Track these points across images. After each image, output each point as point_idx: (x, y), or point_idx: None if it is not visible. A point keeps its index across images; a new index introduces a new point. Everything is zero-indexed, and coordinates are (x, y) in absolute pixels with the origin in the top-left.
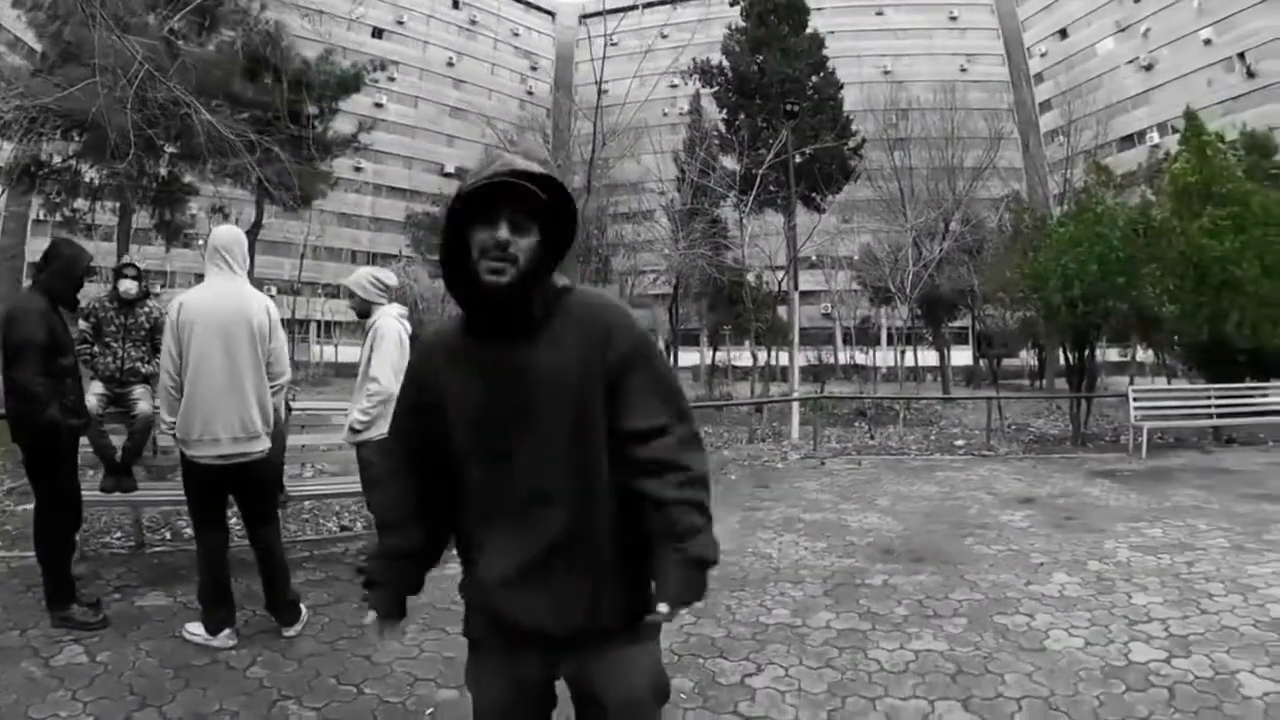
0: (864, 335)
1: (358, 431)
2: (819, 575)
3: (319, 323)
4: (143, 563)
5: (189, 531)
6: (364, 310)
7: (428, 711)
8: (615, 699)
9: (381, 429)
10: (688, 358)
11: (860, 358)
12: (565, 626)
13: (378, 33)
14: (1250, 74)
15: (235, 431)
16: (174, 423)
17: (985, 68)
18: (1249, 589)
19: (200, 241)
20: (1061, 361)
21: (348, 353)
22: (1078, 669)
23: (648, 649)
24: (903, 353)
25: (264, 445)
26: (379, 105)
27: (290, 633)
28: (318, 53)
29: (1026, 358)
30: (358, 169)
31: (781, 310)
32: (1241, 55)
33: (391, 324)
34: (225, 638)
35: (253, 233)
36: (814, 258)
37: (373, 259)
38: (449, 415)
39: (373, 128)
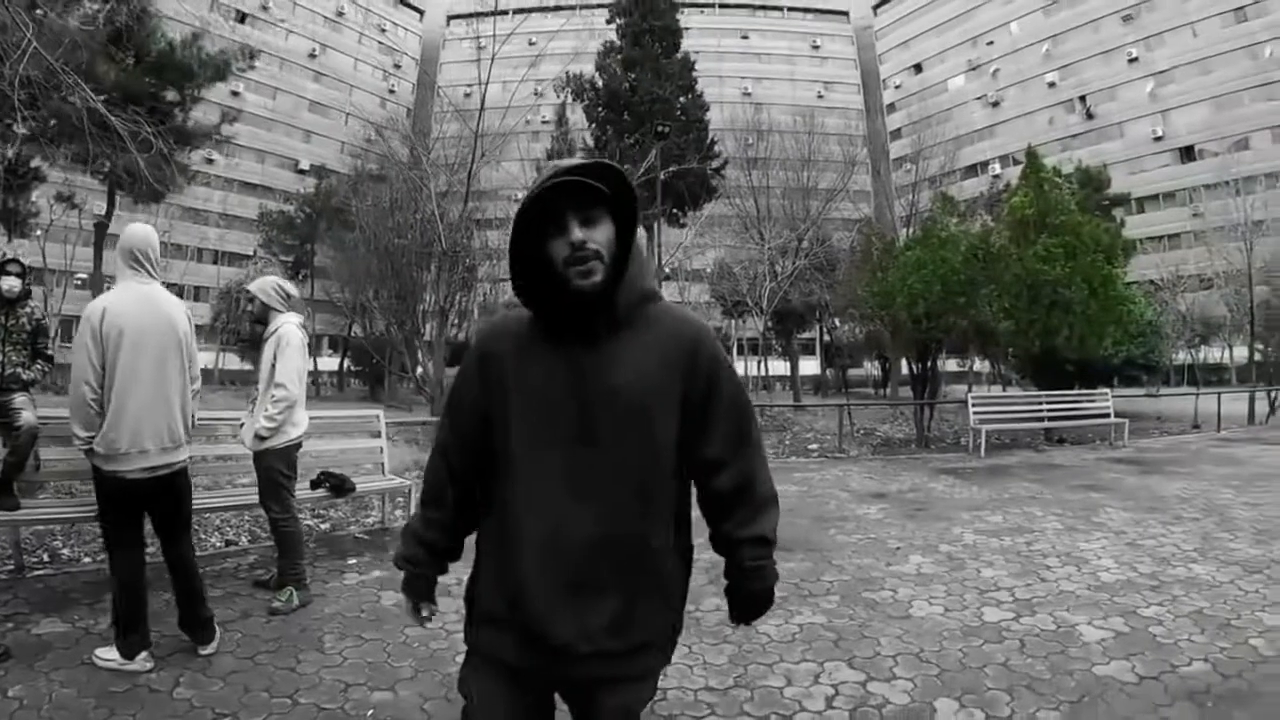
0: None
1: (263, 438)
2: (700, 567)
3: None
4: (27, 588)
5: (66, 553)
6: (262, 317)
7: (368, 714)
8: (613, 706)
9: (287, 435)
10: None
11: None
12: (592, 645)
13: (241, 17)
14: (1089, 115)
15: (164, 441)
16: (90, 438)
17: (842, 95)
18: (1081, 561)
19: (39, 233)
20: (905, 371)
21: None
22: (940, 630)
23: (662, 661)
24: (760, 363)
25: (187, 453)
26: (236, 94)
27: (207, 651)
28: (182, 36)
29: (870, 368)
30: (209, 161)
31: None
32: (1083, 98)
33: (295, 331)
34: (142, 661)
35: (104, 225)
36: (669, 270)
37: (221, 257)
38: (509, 410)
39: (236, 118)
